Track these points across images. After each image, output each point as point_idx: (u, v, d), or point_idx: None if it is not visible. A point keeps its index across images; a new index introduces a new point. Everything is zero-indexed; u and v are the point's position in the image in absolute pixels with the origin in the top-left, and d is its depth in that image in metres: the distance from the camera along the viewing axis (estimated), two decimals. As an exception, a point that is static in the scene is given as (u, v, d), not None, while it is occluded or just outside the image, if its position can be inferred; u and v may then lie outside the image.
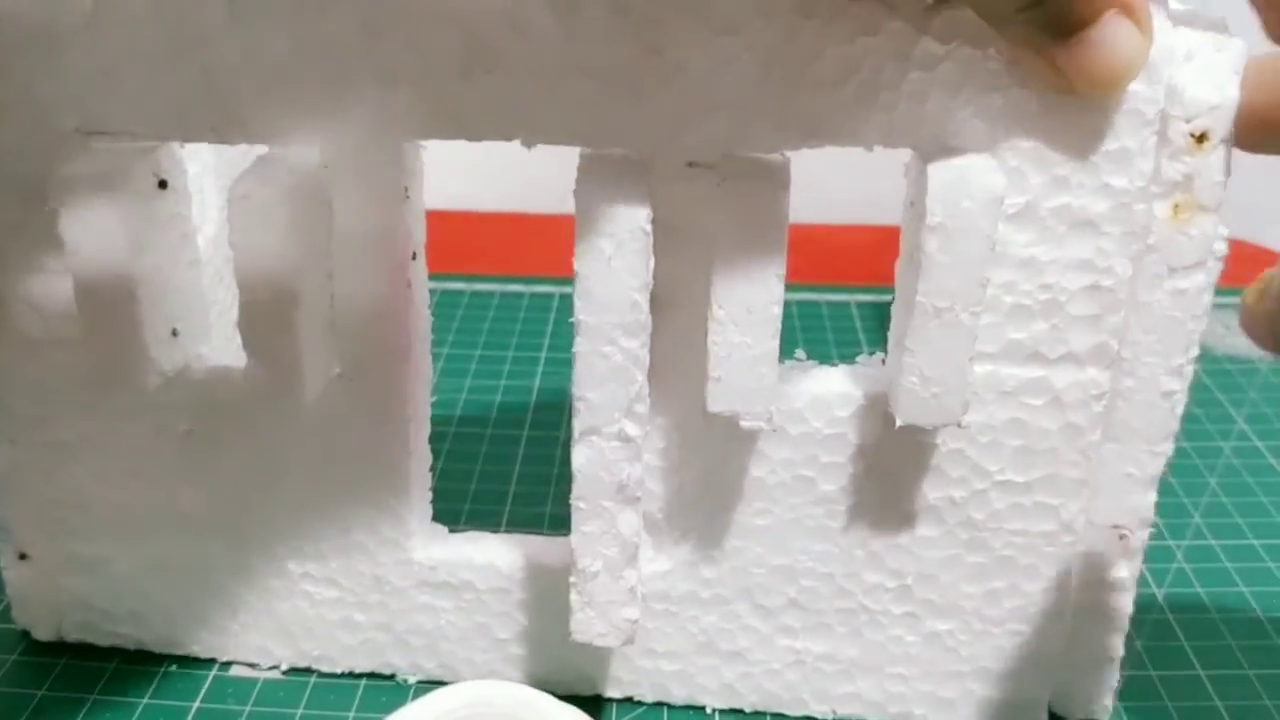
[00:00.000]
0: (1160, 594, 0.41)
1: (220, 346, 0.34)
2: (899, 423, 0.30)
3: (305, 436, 0.34)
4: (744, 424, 0.30)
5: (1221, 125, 0.28)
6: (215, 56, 0.29)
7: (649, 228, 0.28)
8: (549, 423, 0.51)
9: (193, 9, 0.29)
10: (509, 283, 0.65)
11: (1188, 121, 0.28)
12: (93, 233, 0.30)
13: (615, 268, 0.28)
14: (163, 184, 0.31)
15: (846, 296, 0.64)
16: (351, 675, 0.37)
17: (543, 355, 0.57)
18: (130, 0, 0.29)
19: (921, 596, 0.34)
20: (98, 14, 0.29)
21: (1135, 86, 0.27)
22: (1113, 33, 0.25)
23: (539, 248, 0.67)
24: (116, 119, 0.30)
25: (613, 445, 0.30)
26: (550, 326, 0.60)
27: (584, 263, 0.28)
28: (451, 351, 0.57)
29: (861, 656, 0.35)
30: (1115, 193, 0.28)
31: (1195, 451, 0.50)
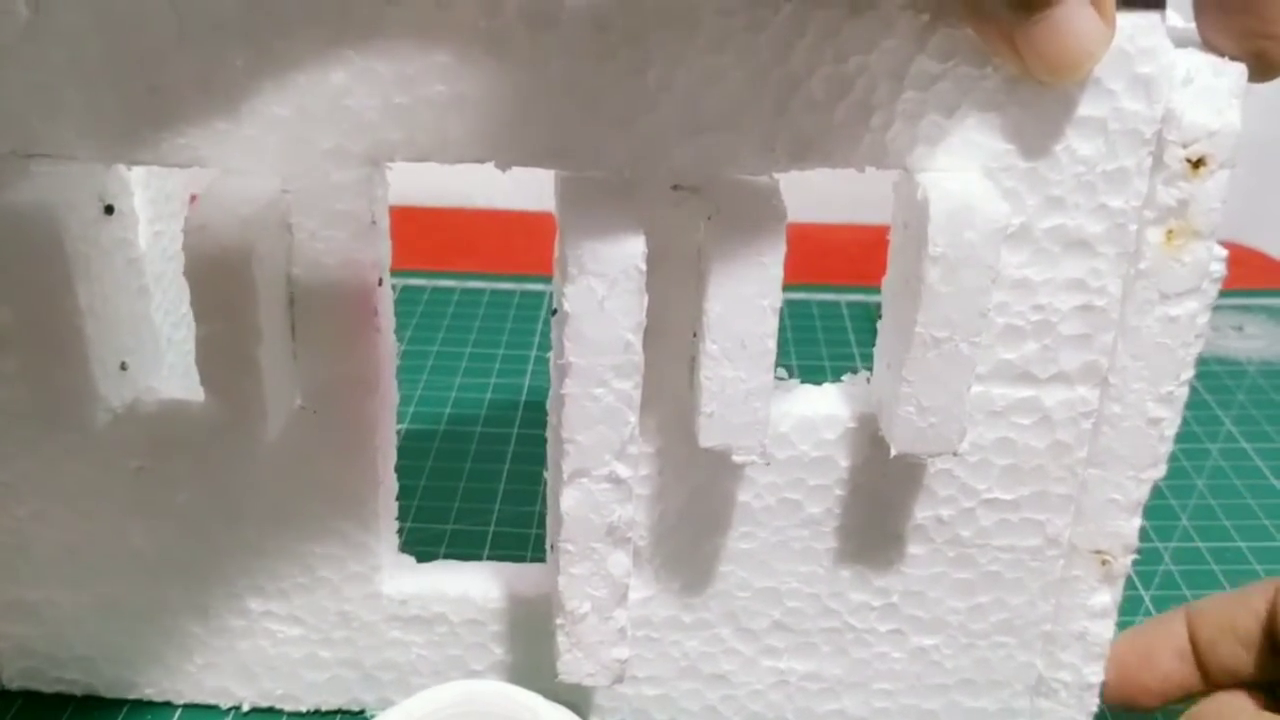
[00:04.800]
0: (1147, 596, 0.41)
1: (168, 376, 0.33)
2: (894, 452, 0.29)
3: (266, 471, 0.32)
4: (736, 458, 0.29)
5: (1219, 151, 0.27)
6: (165, 75, 0.27)
7: (644, 265, 0.26)
8: (540, 421, 0.50)
9: (140, 24, 0.27)
10: (499, 280, 0.63)
11: (1184, 147, 0.27)
12: (34, 261, 0.28)
13: (608, 309, 0.26)
14: (109, 209, 0.29)
15: (837, 296, 0.63)
16: (319, 713, 0.36)
17: (533, 354, 0.56)
18: (70, 12, 0.27)
19: (907, 613, 0.34)
20: (35, 26, 0.27)
21: (1135, 105, 0.27)
22: (1075, 16, 0.25)
23: (530, 245, 0.65)
24: (58, 140, 0.28)
25: (603, 488, 0.28)
26: (540, 325, 0.59)
27: (574, 303, 0.26)
28: (441, 349, 0.56)
29: (846, 674, 0.35)
30: (1111, 213, 0.28)
31: (1183, 454, 0.50)
